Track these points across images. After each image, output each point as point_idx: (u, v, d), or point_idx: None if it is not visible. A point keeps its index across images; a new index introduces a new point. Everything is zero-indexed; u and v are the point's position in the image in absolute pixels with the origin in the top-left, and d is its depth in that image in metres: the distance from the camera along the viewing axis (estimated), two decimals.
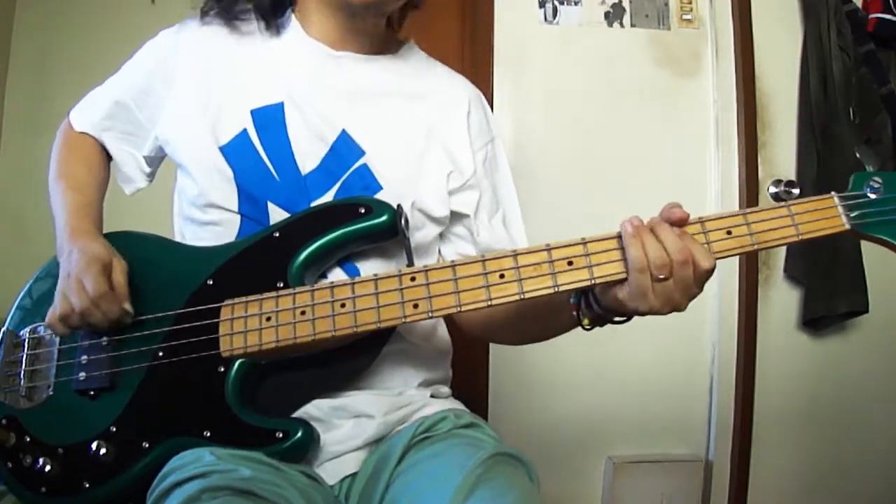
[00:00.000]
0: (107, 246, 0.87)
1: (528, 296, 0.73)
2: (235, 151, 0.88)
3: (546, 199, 1.86)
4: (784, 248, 1.94)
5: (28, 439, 0.84)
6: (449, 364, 1.01)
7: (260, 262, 0.84)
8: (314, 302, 0.78)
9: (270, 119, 0.89)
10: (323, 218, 0.84)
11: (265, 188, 0.88)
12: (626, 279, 0.72)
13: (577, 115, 1.93)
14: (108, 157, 1.02)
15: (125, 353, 0.83)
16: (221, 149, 0.88)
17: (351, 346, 0.82)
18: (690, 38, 1.98)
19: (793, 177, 1.94)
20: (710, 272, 0.71)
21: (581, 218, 1.86)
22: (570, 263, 0.73)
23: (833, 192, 0.73)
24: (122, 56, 1.01)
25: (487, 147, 1.00)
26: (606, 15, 1.96)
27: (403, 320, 0.76)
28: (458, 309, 0.75)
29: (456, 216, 0.96)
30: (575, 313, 0.79)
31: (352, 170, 0.89)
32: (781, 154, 1.95)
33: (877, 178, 0.73)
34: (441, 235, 0.97)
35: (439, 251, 0.98)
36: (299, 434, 0.78)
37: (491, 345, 1.85)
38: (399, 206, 0.85)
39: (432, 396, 0.94)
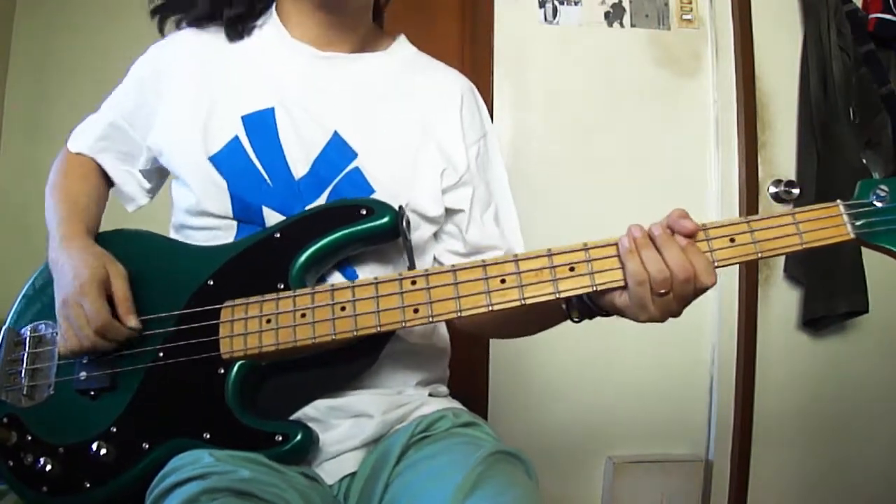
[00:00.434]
0: (100, 255, 0.86)
1: (528, 302, 0.73)
2: (227, 159, 0.88)
3: (545, 198, 1.86)
4: None
5: (29, 438, 0.84)
6: (447, 364, 1.01)
7: (260, 262, 0.84)
8: (314, 304, 0.78)
9: (261, 125, 0.89)
10: (324, 219, 0.84)
11: (259, 194, 0.87)
12: (625, 287, 0.72)
13: (577, 115, 1.93)
14: (107, 178, 1.01)
15: (126, 353, 0.83)
16: (212, 159, 0.88)
17: (351, 348, 0.82)
18: (690, 38, 1.98)
19: (793, 177, 1.94)
20: (711, 287, 0.71)
21: (581, 218, 1.87)
22: (571, 269, 0.73)
23: (839, 200, 0.72)
24: (121, 57, 1.01)
25: (480, 142, 0.99)
26: (606, 15, 1.96)
27: (404, 325, 0.76)
28: (459, 315, 0.75)
29: (449, 213, 0.95)
30: (564, 306, 0.79)
31: (343, 174, 0.88)
32: (781, 154, 1.95)
33: (883, 187, 0.71)
34: (434, 235, 0.97)
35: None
36: (299, 437, 0.79)
37: (491, 345, 1.86)
38: (401, 207, 0.84)
39: (430, 395, 0.94)
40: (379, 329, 0.76)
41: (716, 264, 0.71)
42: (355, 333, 0.76)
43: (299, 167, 0.88)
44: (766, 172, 1.94)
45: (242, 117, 0.89)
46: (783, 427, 1.93)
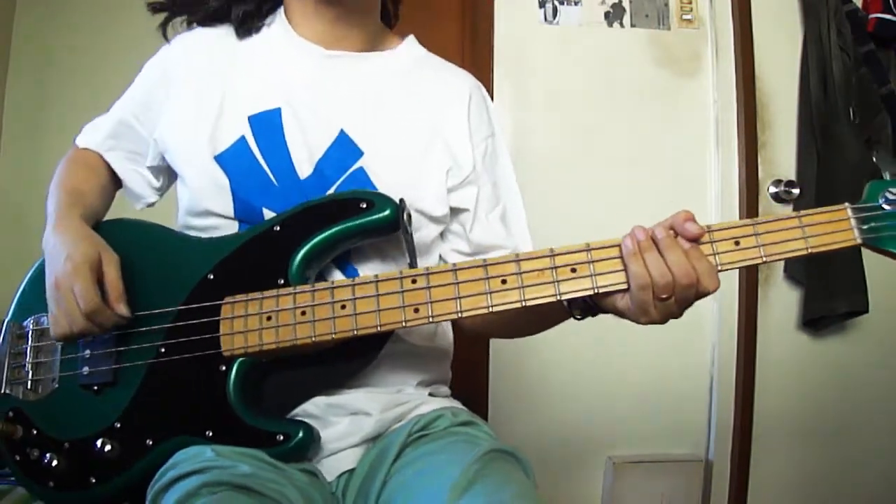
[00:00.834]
0: (94, 240, 0.85)
1: (529, 303, 0.73)
2: (233, 159, 0.88)
3: (546, 198, 1.86)
4: None
5: (35, 432, 0.84)
6: (449, 365, 1.01)
7: (260, 256, 0.84)
8: (315, 302, 0.78)
9: (268, 125, 0.89)
10: (324, 212, 0.84)
11: (262, 195, 0.87)
12: (628, 289, 0.71)
13: (577, 115, 1.93)
14: (114, 177, 1.01)
15: (128, 348, 0.83)
16: (217, 158, 0.88)
17: (351, 346, 0.82)
18: (690, 38, 1.98)
19: (793, 177, 1.94)
20: (714, 291, 0.70)
21: (581, 218, 1.87)
22: (573, 270, 0.73)
23: (846, 203, 0.70)
24: (121, 57, 1.01)
25: (487, 141, 0.98)
26: (606, 15, 1.96)
27: (404, 324, 0.76)
28: (459, 315, 0.74)
29: (455, 212, 0.95)
30: (566, 304, 0.79)
31: (347, 174, 0.88)
32: (781, 154, 1.95)
33: (893, 189, 0.69)
34: (440, 235, 0.96)
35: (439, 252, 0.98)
36: (300, 436, 0.79)
37: (491, 345, 1.86)
38: (401, 200, 0.84)
39: (430, 395, 0.94)
40: (379, 329, 0.76)
41: (719, 268, 0.70)
42: (355, 333, 0.76)
43: (304, 167, 0.88)
44: (766, 172, 1.94)
45: (249, 117, 0.89)
46: (783, 427, 1.93)
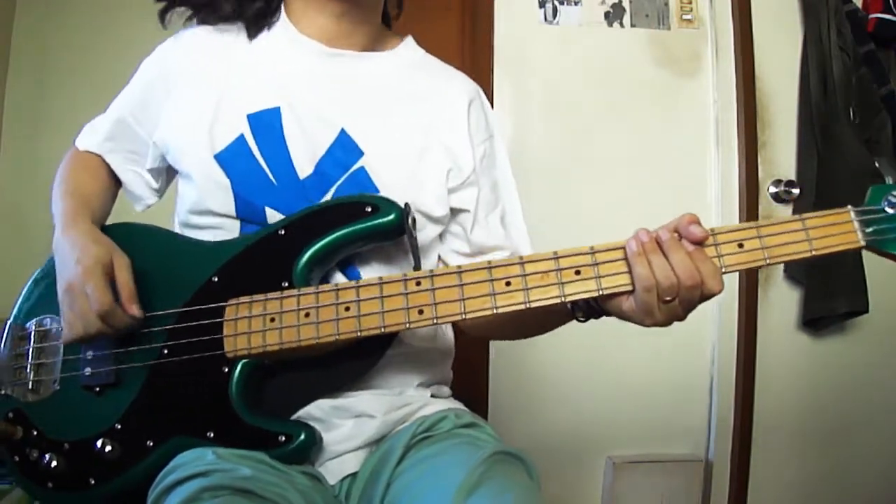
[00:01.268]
0: (105, 242, 0.85)
1: (533, 305, 0.73)
2: (232, 158, 0.87)
3: (546, 198, 1.86)
4: None
5: (35, 433, 0.84)
6: (450, 365, 1.01)
7: (265, 259, 0.83)
8: (318, 304, 0.78)
9: (267, 124, 0.89)
10: (328, 216, 0.83)
11: (263, 194, 0.87)
12: (632, 291, 0.72)
13: (577, 115, 1.93)
14: (115, 177, 1.01)
15: (130, 349, 0.83)
16: (217, 157, 0.87)
17: (355, 348, 0.81)
18: (690, 38, 1.98)
19: (793, 177, 1.94)
20: (718, 293, 0.70)
21: (581, 218, 1.87)
22: (577, 273, 0.73)
23: (849, 206, 0.71)
24: (121, 56, 1.01)
25: (486, 143, 0.99)
26: (606, 15, 1.96)
27: (408, 326, 0.75)
28: (463, 317, 0.74)
29: (454, 213, 0.95)
30: (570, 307, 0.79)
31: (348, 174, 0.88)
32: (781, 154, 1.95)
33: (895, 193, 0.70)
34: (440, 236, 0.96)
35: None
36: (302, 437, 0.79)
37: (491, 345, 1.86)
38: (406, 204, 0.84)
39: (433, 396, 0.94)
40: (383, 330, 0.76)
41: (723, 270, 0.70)
42: (359, 334, 0.76)
43: (305, 167, 0.88)
44: (766, 172, 1.94)
45: (248, 116, 0.89)
46: (783, 427, 1.94)
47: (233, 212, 0.88)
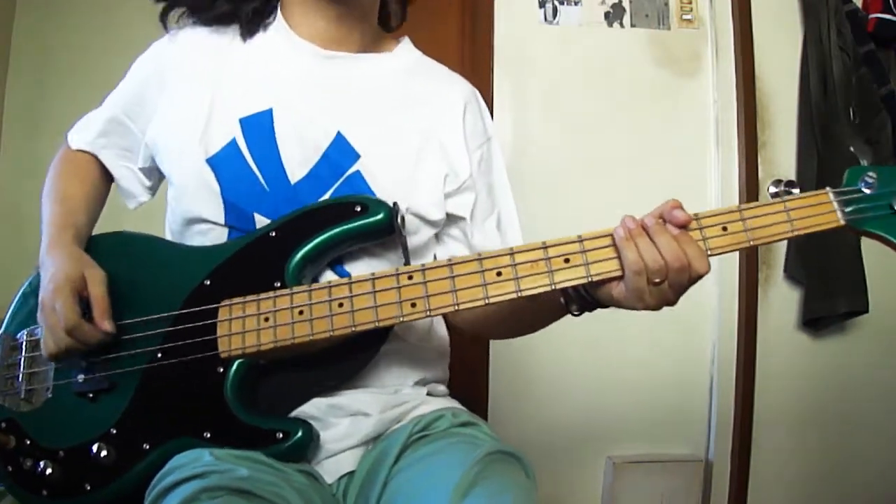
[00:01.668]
0: (79, 259, 0.85)
1: (524, 293, 0.74)
2: (224, 163, 0.87)
3: (545, 199, 1.86)
4: (784, 248, 1.94)
5: (28, 442, 0.84)
6: (447, 365, 1.01)
7: (257, 261, 0.84)
8: (312, 302, 0.78)
9: (259, 127, 0.88)
10: (319, 217, 0.84)
11: (253, 200, 0.86)
12: (622, 277, 0.72)
13: (577, 116, 1.93)
14: (107, 175, 1.01)
15: (123, 354, 0.83)
16: (209, 161, 0.87)
17: (349, 344, 0.82)
18: (690, 38, 1.98)
19: (793, 177, 1.93)
20: (706, 274, 0.71)
21: (581, 218, 1.85)
22: (566, 261, 0.74)
23: (828, 188, 0.73)
24: (121, 56, 1.01)
25: (483, 148, 0.98)
26: (606, 15, 1.96)
27: (401, 319, 0.76)
28: (456, 307, 0.75)
29: (451, 218, 0.95)
30: (563, 300, 0.79)
31: (344, 177, 0.88)
32: (781, 154, 1.95)
33: (871, 174, 0.72)
34: (436, 237, 0.96)
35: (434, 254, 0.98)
36: (299, 434, 0.79)
37: (491, 345, 1.86)
38: (395, 203, 0.84)
39: (429, 394, 0.94)
40: (377, 324, 0.76)
41: (709, 252, 0.72)
42: (353, 329, 0.76)
43: (296, 170, 0.87)
44: (766, 172, 1.94)
45: (240, 120, 0.88)
46: (783, 427, 1.93)
47: (221, 219, 0.87)
